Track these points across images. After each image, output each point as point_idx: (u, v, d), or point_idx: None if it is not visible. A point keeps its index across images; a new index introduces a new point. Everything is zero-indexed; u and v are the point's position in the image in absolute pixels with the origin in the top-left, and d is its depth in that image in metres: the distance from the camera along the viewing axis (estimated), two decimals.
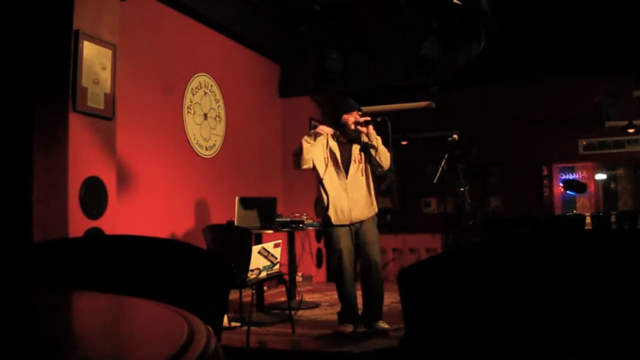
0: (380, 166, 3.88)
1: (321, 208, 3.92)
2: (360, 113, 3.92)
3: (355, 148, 3.92)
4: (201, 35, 5.58)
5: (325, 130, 3.91)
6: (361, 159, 3.92)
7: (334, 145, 3.90)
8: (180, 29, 5.24)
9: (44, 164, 3.32)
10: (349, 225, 3.86)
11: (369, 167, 3.95)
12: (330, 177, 3.86)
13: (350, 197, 3.84)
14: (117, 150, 3.75)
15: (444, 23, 5.33)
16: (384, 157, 3.86)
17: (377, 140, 3.84)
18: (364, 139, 3.89)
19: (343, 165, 3.87)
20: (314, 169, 3.89)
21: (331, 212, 3.83)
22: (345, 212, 3.83)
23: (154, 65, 4.85)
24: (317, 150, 3.86)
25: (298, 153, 3.81)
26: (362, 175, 3.92)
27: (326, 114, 7.68)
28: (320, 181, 3.89)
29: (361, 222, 3.88)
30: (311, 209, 7.18)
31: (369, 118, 3.84)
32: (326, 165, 3.86)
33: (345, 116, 3.90)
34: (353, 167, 3.88)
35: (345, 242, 3.84)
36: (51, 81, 3.39)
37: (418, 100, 7.87)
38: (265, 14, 6.34)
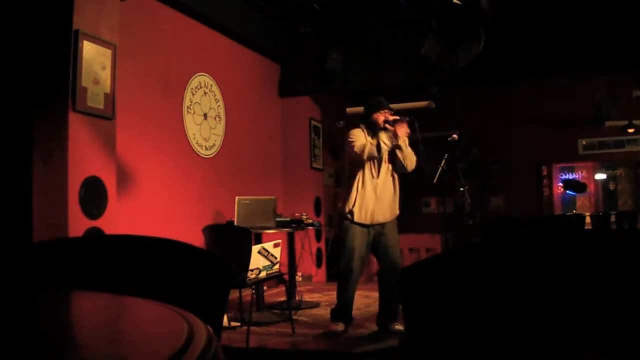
0: (404, 168, 3.88)
1: (344, 203, 3.89)
2: (391, 112, 3.92)
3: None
4: (201, 35, 5.58)
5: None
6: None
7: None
8: (180, 29, 5.24)
9: (44, 164, 3.32)
10: (368, 228, 3.85)
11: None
12: (364, 174, 3.85)
13: (379, 197, 3.84)
14: (117, 150, 3.75)
15: (444, 23, 5.32)
16: (409, 159, 3.86)
17: (404, 141, 3.83)
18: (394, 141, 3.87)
19: (377, 164, 3.88)
20: (350, 163, 3.92)
21: (356, 209, 3.82)
22: (370, 211, 3.82)
23: (154, 65, 4.84)
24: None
25: (372, 149, 3.79)
26: (391, 176, 3.93)
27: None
28: (351, 176, 3.89)
29: (382, 225, 3.87)
30: (311, 209, 7.19)
31: (398, 117, 3.84)
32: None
33: (375, 115, 3.90)
34: (384, 168, 3.89)
35: (359, 243, 3.83)
36: (51, 81, 3.39)
37: (418, 100, 7.87)
38: (266, 14, 6.34)
